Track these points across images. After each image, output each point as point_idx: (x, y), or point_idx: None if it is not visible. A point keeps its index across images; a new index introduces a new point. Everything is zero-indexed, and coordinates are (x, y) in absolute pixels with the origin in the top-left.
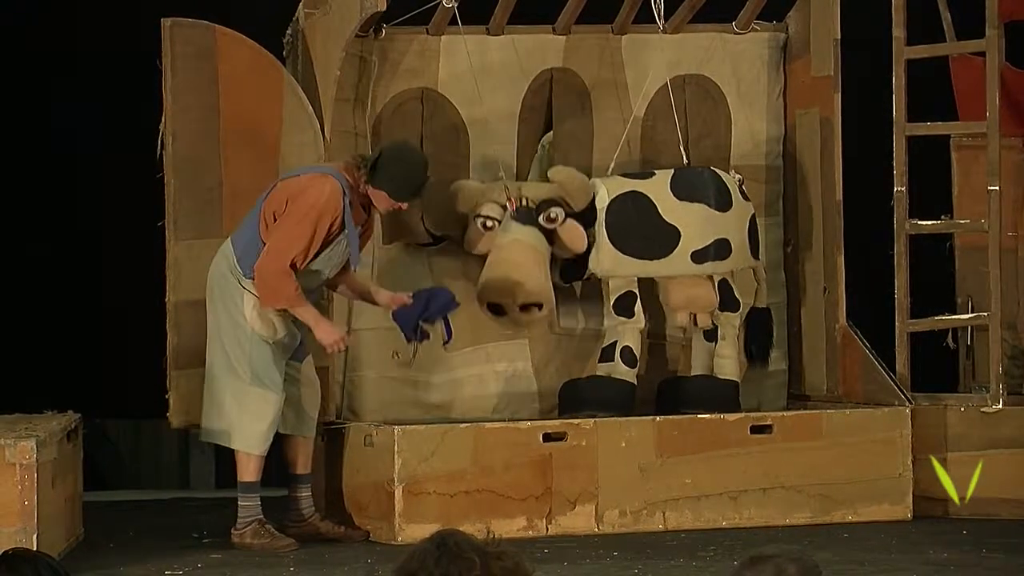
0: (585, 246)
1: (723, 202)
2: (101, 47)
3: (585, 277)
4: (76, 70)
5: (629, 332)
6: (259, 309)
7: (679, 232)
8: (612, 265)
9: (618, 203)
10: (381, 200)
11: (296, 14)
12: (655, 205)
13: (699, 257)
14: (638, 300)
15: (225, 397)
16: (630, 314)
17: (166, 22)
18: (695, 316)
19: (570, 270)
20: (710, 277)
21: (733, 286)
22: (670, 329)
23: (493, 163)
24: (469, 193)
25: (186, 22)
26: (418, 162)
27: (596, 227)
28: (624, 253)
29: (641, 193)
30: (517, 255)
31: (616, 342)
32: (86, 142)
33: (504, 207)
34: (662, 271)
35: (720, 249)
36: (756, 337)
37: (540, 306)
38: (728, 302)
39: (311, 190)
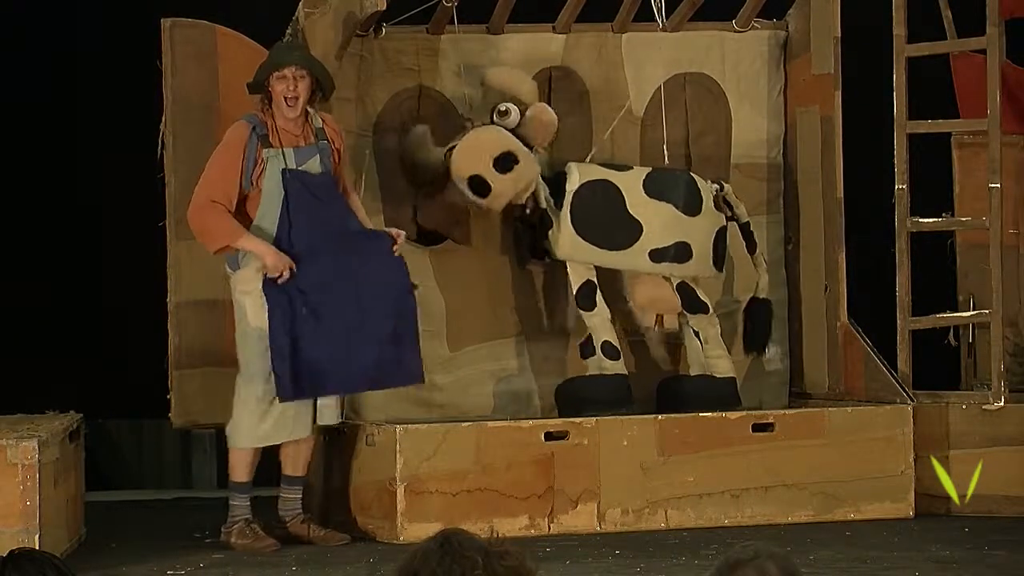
0: (549, 135)
1: (692, 206)
2: (101, 47)
3: (545, 259)
4: (76, 70)
5: (600, 325)
6: (250, 298)
7: (641, 227)
8: (570, 249)
9: (587, 189)
10: (276, 93)
11: (296, 14)
12: (623, 197)
13: (657, 256)
14: (598, 290)
15: (233, 395)
16: (592, 305)
17: (166, 22)
18: (661, 317)
19: (539, 246)
20: (668, 279)
21: (696, 289)
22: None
23: None
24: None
25: (186, 22)
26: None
27: (562, 210)
28: (584, 239)
29: (612, 183)
30: (480, 132)
31: (591, 337)
32: (86, 142)
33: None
34: (618, 263)
35: (680, 252)
36: (752, 328)
37: (516, 162)
38: (694, 305)
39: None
